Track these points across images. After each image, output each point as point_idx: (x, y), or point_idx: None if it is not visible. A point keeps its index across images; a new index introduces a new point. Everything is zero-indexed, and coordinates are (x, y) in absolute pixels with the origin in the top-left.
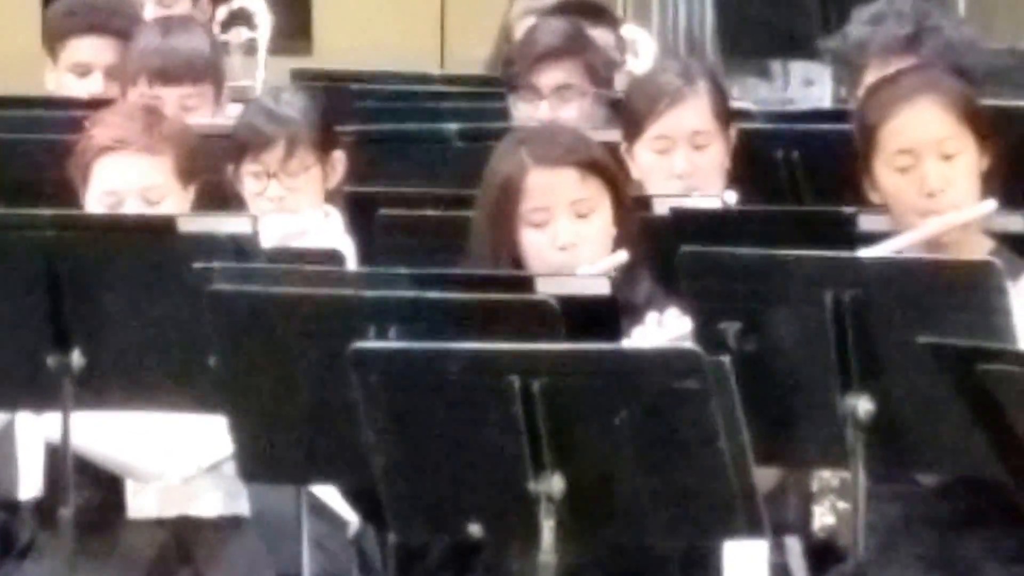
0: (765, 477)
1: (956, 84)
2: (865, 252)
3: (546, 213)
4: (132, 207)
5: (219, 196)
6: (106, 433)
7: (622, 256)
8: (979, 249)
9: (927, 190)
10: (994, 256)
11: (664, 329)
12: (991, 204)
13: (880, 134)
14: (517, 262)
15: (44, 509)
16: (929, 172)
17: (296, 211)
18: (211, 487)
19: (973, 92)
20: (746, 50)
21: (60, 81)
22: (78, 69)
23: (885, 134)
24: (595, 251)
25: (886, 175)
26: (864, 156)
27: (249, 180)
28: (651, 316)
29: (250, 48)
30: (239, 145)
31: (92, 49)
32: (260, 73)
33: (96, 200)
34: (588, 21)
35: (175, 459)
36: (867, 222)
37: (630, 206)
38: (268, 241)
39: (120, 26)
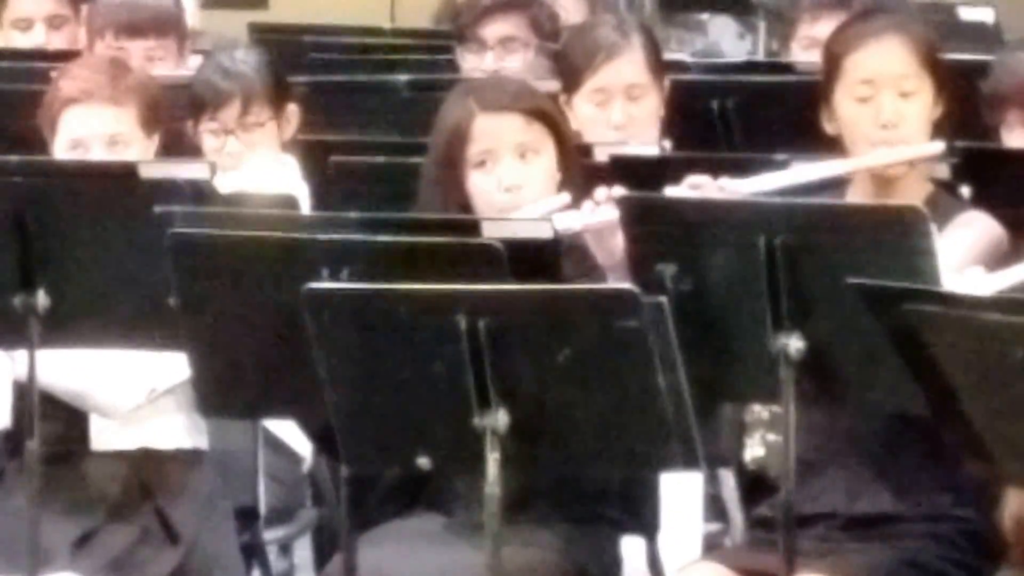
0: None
1: (924, 31)
2: (815, 168)
3: (491, 156)
4: (97, 155)
5: (182, 144)
6: (64, 369)
7: (565, 197)
8: (920, 193)
9: (882, 121)
10: (933, 199)
11: (594, 213)
12: (939, 145)
13: (845, 63)
14: (465, 206)
15: (12, 440)
16: (885, 104)
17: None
18: (173, 421)
19: (938, 43)
20: (684, 5)
21: (7, 38)
22: (20, 25)
23: (849, 63)
24: (539, 193)
25: (845, 103)
26: (826, 83)
27: (208, 137)
28: (588, 204)
29: (206, 2)
30: (196, 103)
31: (30, 3)
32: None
33: (63, 148)
34: None
35: (125, 390)
36: (799, 168)
37: (574, 153)
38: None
39: None
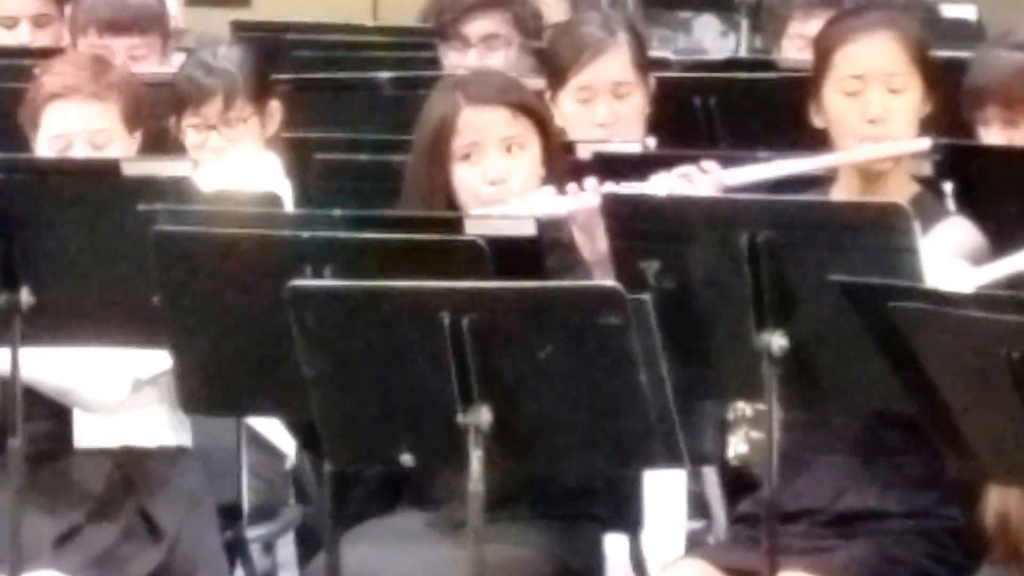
0: None
1: (916, 28)
2: (802, 162)
3: (477, 149)
4: (79, 151)
5: (164, 142)
6: (48, 366)
7: (549, 191)
8: (906, 191)
9: (869, 116)
10: (918, 200)
11: (574, 198)
12: (925, 142)
13: (835, 57)
14: (449, 199)
15: None
16: (873, 100)
17: (236, 161)
18: (156, 417)
19: (929, 41)
20: (666, 3)
21: None
22: (4, 22)
23: (839, 57)
24: (524, 186)
25: (833, 97)
26: (815, 77)
27: (190, 133)
28: (572, 186)
29: None
30: (179, 99)
31: (15, 2)
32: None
33: (45, 144)
34: None
35: (111, 384)
36: (785, 161)
37: (558, 148)
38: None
39: None
